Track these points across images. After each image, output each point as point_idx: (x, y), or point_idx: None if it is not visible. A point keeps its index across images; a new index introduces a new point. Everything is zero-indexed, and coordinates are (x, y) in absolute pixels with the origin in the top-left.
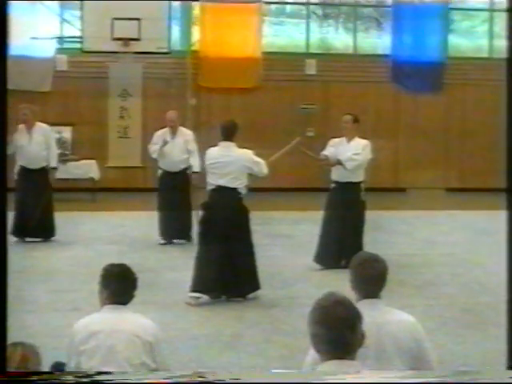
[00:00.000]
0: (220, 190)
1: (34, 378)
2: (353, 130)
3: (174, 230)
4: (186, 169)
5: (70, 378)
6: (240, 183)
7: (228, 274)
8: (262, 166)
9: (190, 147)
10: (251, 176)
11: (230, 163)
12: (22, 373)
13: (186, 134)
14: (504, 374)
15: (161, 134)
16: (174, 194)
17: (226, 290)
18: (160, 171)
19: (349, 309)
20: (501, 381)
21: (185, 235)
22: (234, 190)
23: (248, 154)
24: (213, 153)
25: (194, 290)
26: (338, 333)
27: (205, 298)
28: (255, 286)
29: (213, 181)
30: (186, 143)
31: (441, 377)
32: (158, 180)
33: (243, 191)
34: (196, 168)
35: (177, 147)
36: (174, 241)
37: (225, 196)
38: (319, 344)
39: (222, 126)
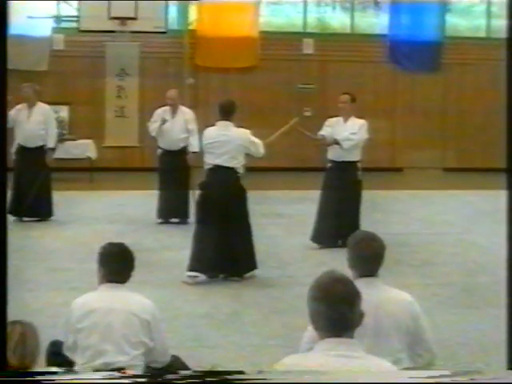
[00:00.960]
0: (217, 169)
1: (34, 377)
2: (350, 109)
3: (171, 209)
4: (184, 148)
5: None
6: (237, 162)
7: (225, 253)
8: (258, 147)
9: (189, 126)
10: (248, 156)
11: (228, 142)
12: (22, 372)
13: (186, 112)
14: (504, 374)
15: (161, 112)
16: (172, 173)
17: (223, 269)
18: (159, 150)
19: (348, 286)
20: (501, 381)
21: (182, 214)
22: (232, 169)
23: (245, 133)
24: (210, 132)
25: (191, 269)
26: (337, 310)
27: (202, 277)
28: (252, 265)
29: (210, 160)
30: (185, 122)
31: (441, 377)
32: (158, 159)
33: (240, 170)
34: (194, 148)
35: (176, 126)
36: (171, 220)
37: (222, 175)
38: (318, 321)
39: (220, 105)
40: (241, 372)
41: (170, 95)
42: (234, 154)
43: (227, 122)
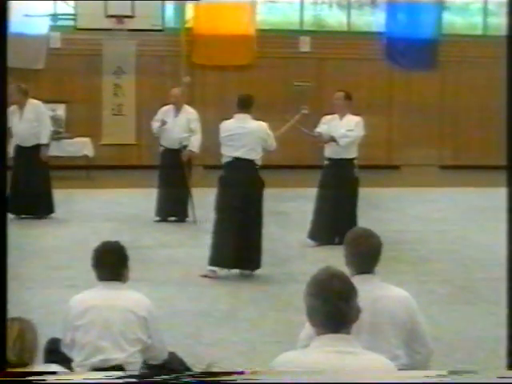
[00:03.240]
0: (236, 161)
1: (34, 377)
2: (345, 106)
3: (168, 207)
4: (185, 147)
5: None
6: (256, 154)
7: (242, 246)
8: (273, 139)
9: (192, 126)
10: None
11: (246, 135)
12: (21, 372)
13: (189, 112)
14: (504, 374)
15: (165, 111)
16: (172, 171)
17: (238, 262)
18: (161, 148)
19: (344, 282)
20: (501, 381)
21: (179, 213)
22: (251, 161)
23: (263, 125)
24: (228, 125)
25: (211, 264)
26: (334, 305)
27: (222, 271)
28: (260, 262)
29: (228, 153)
30: (188, 121)
31: (441, 377)
32: (159, 157)
33: (259, 163)
34: (194, 148)
35: (178, 125)
36: (169, 218)
37: (242, 168)
38: (315, 317)
39: (239, 99)
40: (240, 372)
41: (173, 93)
42: (253, 146)
43: (245, 115)
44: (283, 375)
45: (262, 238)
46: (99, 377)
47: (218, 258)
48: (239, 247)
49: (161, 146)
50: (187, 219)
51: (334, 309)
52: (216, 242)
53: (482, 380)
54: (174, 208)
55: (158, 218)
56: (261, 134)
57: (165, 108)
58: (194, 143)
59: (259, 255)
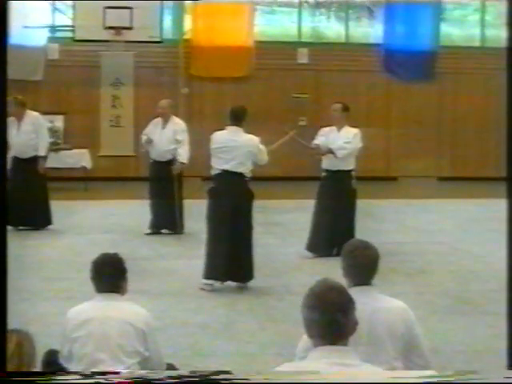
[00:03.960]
0: (226, 174)
1: (34, 378)
2: (342, 118)
3: (159, 220)
4: (173, 159)
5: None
6: (245, 168)
7: (234, 258)
8: (264, 154)
9: (178, 137)
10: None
11: (237, 148)
12: (22, 372)
13: (176, 123)
14: (504, 373)
15: (155, 123)
16: (160, 184)
17: (231, 274)
18: (150, 160)
19: (342, 294)
20: (501, 381)
21: (169, 226)
22: (240, 174)
23: (255, 140)
24: (220, 137)
25: (206, 277)
26: (331, 317)
27: (217, 284)
28: (252, 273)
29: (218, 165)
30: (174, 133)
31: (441, 377)
32: (149, 169)
33: (248, 175)
34: (183, 159)
35: (165, 137)
36: (162, 231)
37: (230, 181)
38: (312, 329)
39: (232, 110)
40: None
41: (161, 105)
42: (242, 160)
43: (237, 128)
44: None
45: (251, 250)
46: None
47: (212, 271)
48: (229, 259)
49: (150, 158)
50: (178, 231)
51: (331, 320)
52: (208, 254)
53: (482, 380)
54: (163, 221)
55: (148, 231)
56: (251, 148)
57: (156, 120)
58: (183, 155)
59: (250, 267)
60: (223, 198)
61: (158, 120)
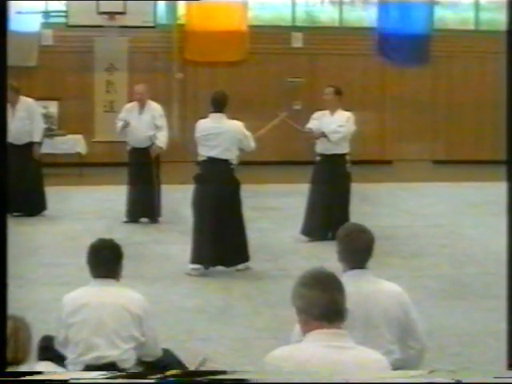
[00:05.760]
0: (212, 161)
1: (33, 377)
2: (335, 101)
3: (138, 208)
4: (152, 145)
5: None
6: (231, 154)
7: (221, 244)
8: (250, 140)
9: (157, 123)
10: (238, 149)
11: (221, 134)
12: (21, 373)
13: (154, 109)
14: (504, 373)
15: (129, 108)
16: (141, 171)
17: (219, 259)
18: (128, 147)
19: (336, 276)
20: (501, 381)
21: (148, 214)
22: (226, 161)
23: (239, 125)
24: (203, 124)
25: (193, 262)
26: (331, 295)
27: (203, 269)
28: (245, 257)
29: (204, 152)
30: (153, 118)
31: (441, 377)
32: (127, 156)
33: (234, 162)
34: (161, 142)
35: (143, 123)
36: (141, 220)
37: (216, 167)
38: (310, 309)
39: (213, 98)
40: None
41: (137, 90)
42: (227, 146)
43: (220, 114)
44: (277, 374)
45: (241, 235)
46: (94, 375)
47: (198, 256)
48: (216, 244)
49: (128, 144)
50: (156, 220)
51: (331, 298)
52: (194, 240)
53: (482, 380)
54: (142, 209)
55: (126, 219)
56: (235, 133)
57: (129, 105)
58: (162, 139)
59: (241, 251)
60: (208, 183)
61: (134, 105)
